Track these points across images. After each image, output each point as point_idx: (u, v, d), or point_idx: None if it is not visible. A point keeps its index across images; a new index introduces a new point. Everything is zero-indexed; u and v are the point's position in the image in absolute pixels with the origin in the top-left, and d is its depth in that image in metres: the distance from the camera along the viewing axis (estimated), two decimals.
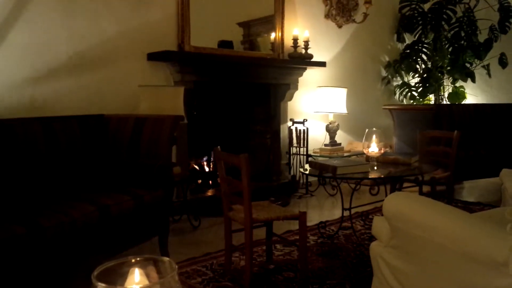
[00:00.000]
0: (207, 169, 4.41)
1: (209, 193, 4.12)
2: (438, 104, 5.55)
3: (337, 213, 3.82)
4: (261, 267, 2.64)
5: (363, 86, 5.55)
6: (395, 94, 5.98)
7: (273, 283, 2.42)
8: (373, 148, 3.09)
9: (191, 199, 3.75)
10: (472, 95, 5.93)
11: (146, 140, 2.83)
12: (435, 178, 3.40)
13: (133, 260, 0.86)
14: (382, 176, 2.94)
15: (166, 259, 0.85)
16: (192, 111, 3.95)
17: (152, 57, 3.64)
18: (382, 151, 3.09)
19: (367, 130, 3.13)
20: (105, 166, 2.86)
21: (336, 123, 4.74)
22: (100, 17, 3.39)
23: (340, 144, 4.75)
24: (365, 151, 3.14)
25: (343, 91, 4.76)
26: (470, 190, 4.76)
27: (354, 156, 4.49)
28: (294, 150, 4.67)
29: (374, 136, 3.09)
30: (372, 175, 2.84)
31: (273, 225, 2.61)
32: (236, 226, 2.45)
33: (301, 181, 4.68)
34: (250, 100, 4.67)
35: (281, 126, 4.68)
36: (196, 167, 4.34)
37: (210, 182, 4.32)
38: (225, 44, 4.27)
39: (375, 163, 3.04)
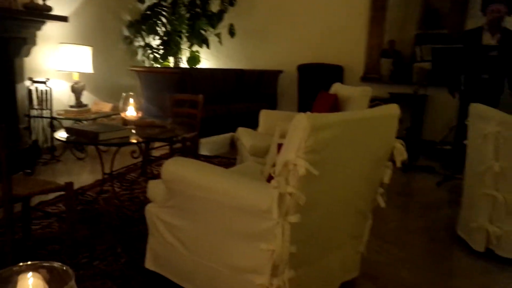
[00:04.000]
0: None
1: None
2: (183, 68, 5.93)
3: (89, 178, 3.75)
4: (19, 245, 2.42)
5: (106, 45, 5.40)
6: (137, 54, 6.06)
7: (39, 259, 2.27)
8: (131, 112, 3.15)
9: None
10: (206, 60, 6.58)
11: None
12: (186, 137, 3.73)
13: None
14: (142, 140, 3.03)
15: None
16: None
17: None
18: (140, 115, 3.19)
19: (123, 94, 3.15)
20: None
21: (82, 83, 4.52)
22: None
23: (87, 105, 4.57)
24: (123, 115, 3.17)
25: (88, 50, 4.55)
26: (206, 145, 5.37)
27: (103, 118, 4.42)
28: (35, 112, 4.23)
29: (131, 100, 3.14)
30: (133, 139, 2.91)
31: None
32: None
33: (45, 145, 4.32)
34: None
35: (18, 86, 4.13)
36: None
37: None
38: None
39: (133, 127, 3.12)
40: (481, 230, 2.55)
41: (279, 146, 1.71)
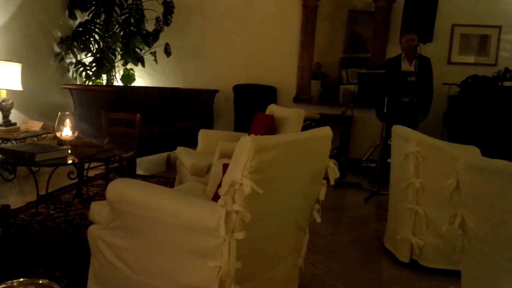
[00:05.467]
0: None
1: None
2: (118, 86, 5.84)
3: (18, 200, 3.59)
4: None
5: (37, 61, 5.22)
6: (68, 71, 5.89)
7: None
8: (67, 132, 3.09)
9: None
10: (140, 78, 6.53)
11: None
12: (123, 157, 3.69)
13: None
14: (79, 160, 2.98)
15: None
16: None
17: None
18: (76, 135, 3.13)
19: (60, 113, 3.09)
20: None
21: (10, 101, 4.32)
22: None
23: (15, 124, 4.36)
24: (58, 135, 3.09)
25: (17, 66, 4.37)
26: (143, 164, 5.32)
27: (34, 138, 4.25)
28: None
29: (67, 120, 3.09)
30: (70, 160, 2.86)
31: None
32: None
33: None
34: None
35: None
36: None
37: None
38: None
39: (70, 147, 3.06)
40: (405, 242, 2.79)
41: (225, 166, 1.80)
